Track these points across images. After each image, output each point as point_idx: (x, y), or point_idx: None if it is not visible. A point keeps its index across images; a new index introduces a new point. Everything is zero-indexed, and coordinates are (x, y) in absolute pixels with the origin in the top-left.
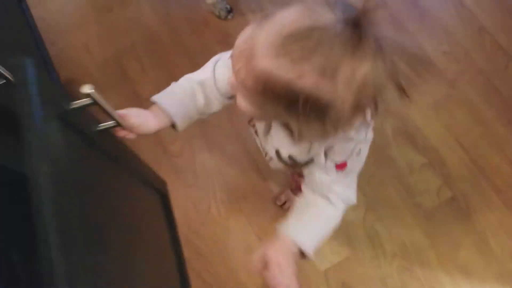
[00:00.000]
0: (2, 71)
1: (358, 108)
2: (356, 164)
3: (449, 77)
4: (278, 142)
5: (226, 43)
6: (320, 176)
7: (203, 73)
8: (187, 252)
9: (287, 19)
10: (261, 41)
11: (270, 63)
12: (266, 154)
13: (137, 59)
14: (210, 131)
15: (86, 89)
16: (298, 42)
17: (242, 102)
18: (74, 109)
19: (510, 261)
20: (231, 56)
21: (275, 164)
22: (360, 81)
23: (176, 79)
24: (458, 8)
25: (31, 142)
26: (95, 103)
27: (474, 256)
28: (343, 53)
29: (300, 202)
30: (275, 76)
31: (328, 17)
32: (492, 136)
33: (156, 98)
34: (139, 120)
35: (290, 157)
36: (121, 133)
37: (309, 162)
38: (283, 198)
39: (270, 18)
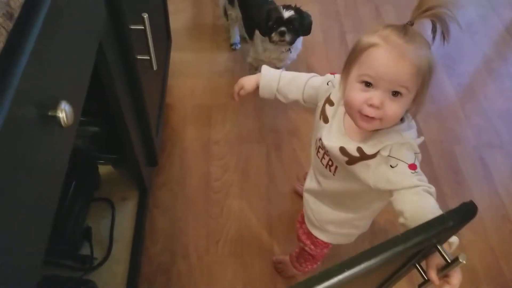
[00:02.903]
0: None
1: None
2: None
3: (461, 241)
4: (346, 140)
5: None
6: (397, 178)
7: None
8: (183, 266)
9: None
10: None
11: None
12: (324, 157)
13: (223, 113)
14: (248, 187)
15: None
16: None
17: (393, 107)
18: None
19: None
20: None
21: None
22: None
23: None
24: (492, 192)
25: None
26: None
27: None
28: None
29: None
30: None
31: None
32: None
33: (262, 67)
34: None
35: (358, 148)
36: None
37: (376, 154)
38: (280, 261)
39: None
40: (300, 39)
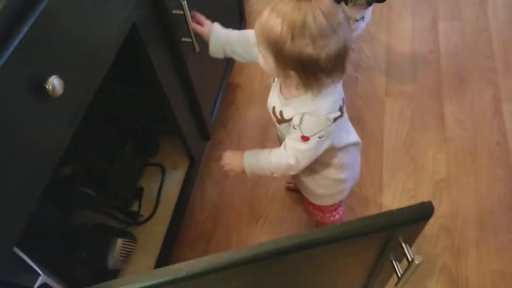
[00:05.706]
0: None
1: None
2: (316, 146)
3: None
4: (279, 100)
5: None
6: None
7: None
8: (222, 236)
9: None
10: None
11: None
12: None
13: None
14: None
15: None
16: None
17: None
18: None
19: None
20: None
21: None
22: None
23: None
24: None
25: None
26: None
27: None
28: None
29: None
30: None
31: None
32: None
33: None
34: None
35: (280, 112)
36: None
37: (291, 119)
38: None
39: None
40: (370, 9)
